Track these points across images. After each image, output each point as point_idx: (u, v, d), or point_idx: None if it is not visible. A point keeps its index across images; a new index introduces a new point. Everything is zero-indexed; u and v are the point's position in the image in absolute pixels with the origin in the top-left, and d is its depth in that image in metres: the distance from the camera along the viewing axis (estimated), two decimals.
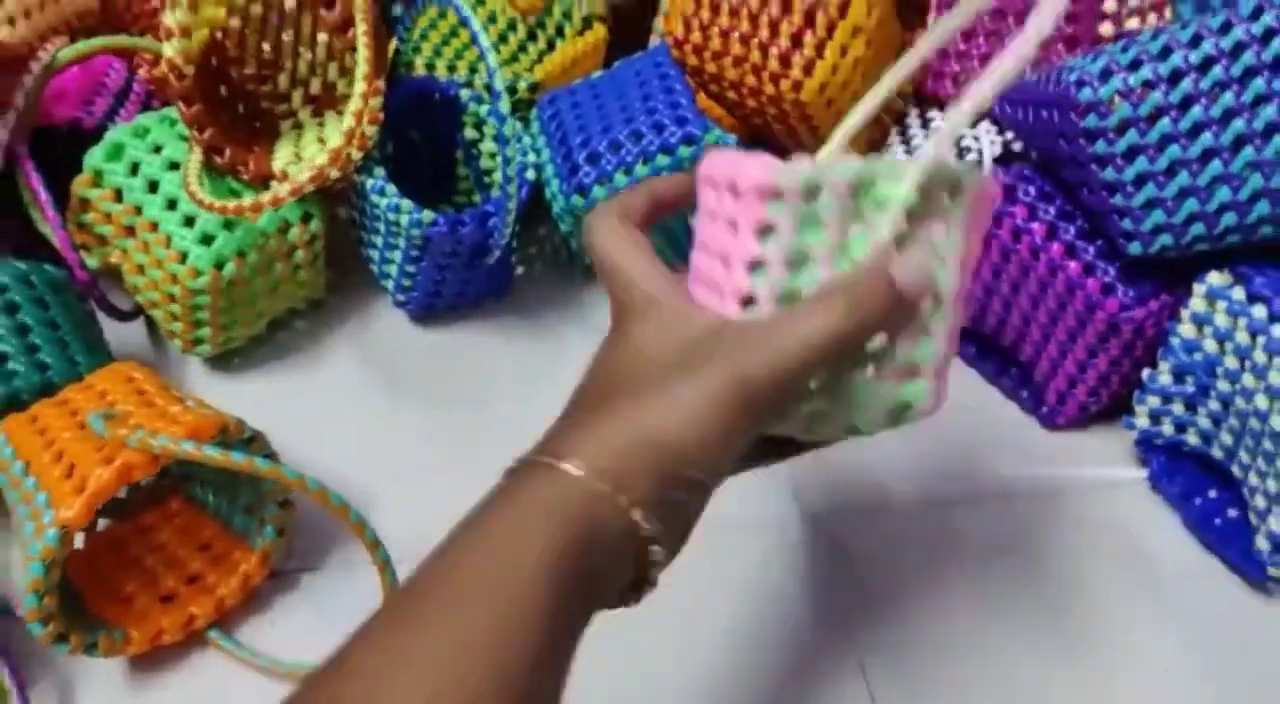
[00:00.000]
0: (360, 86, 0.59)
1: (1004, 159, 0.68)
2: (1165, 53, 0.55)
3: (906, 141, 0.71)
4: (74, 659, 0.55)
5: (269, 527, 0.57)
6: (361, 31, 0.60)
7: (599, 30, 0.78)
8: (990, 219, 0.37)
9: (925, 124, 0.71)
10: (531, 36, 0.80)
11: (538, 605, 0.31)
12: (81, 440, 0.51)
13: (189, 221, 0.63)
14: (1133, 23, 0.64)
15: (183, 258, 0.63)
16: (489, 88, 0.74)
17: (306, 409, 0.67)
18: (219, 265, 0.63)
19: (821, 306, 0.35)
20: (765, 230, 0.36)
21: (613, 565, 0.34)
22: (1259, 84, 0.53)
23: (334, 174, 0.61)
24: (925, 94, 0.72)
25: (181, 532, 0.59)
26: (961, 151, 0.69)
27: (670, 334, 0.37)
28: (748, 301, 0.36)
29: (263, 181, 0.65)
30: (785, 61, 0.64)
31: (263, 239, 0.65)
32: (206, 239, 0.63)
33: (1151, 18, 0.65)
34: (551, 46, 0.80)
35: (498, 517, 0.33)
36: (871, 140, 0.72)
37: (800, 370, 0.35)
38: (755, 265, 0.36)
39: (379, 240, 0.68)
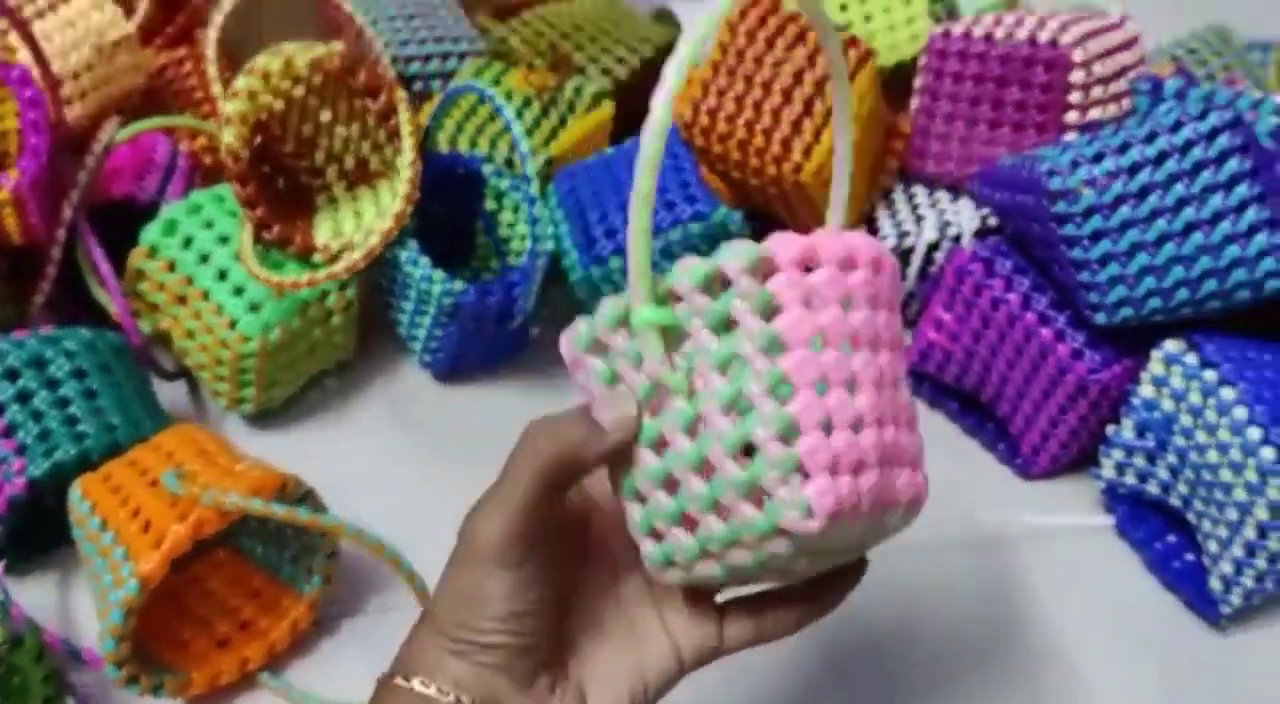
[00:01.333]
0: (408, 172, 0.65)
1: (982, 233, 0.75)
2: (1124, 147, 0.62)
3: (894, 216, 0.77)
4: (135, 702, 0.59)
5: (316, 576, 0.62)
6: (405, 120, 0.66)
7: (607, 107, 0.85)
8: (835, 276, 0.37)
9: (910, 199, 0.78)
10: (545, 113, 0.86)
11: None
12: (155, 497, 0.56)
13: (238, 291, 0.69)
14: (1094, 112, 0.71)
15: (233, 324, 0.68)
16: (509, 163, 0.81)
17: (336, 463, 0.71)
18: (266, 331, 0.68)
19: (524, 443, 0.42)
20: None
21: None
22: (1206, 176, 0.60)
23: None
24: (910, 172, 0.79)
25: (229, 581, 0.64)
26: (944, 226, 0.75)
27: None
28: None
29: (306, 254, 0.70)
30: (786, 146, 0.70)
31: (304, 306, 0.70)
32: (254, 307, 0.68)
33: (1112, 108, 0.72)
34: (563, 122, 0.86)
35: None
36: (862, 214, 0.79)
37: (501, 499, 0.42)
38: None
39: (408, 306, 0.74)
